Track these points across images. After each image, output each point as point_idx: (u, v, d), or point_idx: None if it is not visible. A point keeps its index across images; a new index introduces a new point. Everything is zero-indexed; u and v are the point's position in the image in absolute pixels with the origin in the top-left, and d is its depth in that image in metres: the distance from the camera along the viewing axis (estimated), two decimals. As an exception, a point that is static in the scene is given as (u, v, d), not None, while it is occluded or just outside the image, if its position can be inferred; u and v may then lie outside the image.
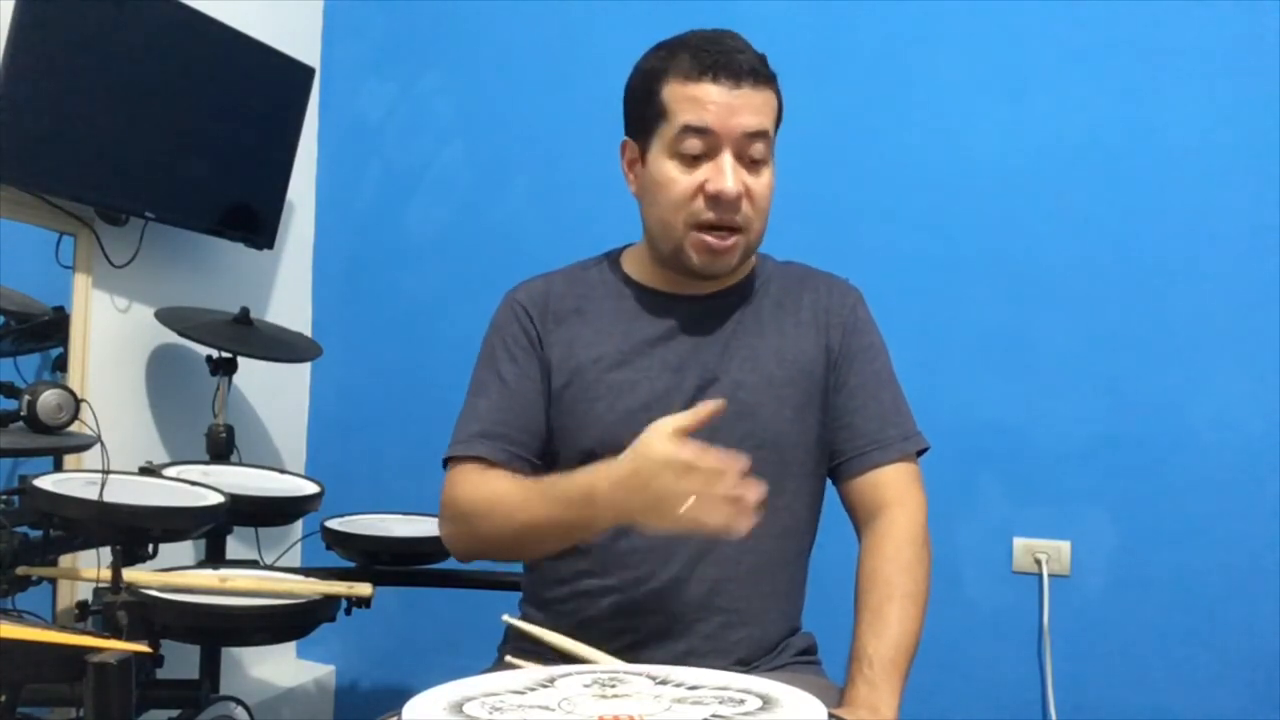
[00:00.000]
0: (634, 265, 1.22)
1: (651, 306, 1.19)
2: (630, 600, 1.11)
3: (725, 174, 1.07)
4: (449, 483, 1.16)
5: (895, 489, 1.14)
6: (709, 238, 1.09)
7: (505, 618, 1.16)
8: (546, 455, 1.18)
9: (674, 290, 1.19)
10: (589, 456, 1.13)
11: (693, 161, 1.09)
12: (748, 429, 1.13)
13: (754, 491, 0.92)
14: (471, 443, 1.15)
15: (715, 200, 1.08)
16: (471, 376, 1.21)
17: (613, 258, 1.25)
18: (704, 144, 1.08)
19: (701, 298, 1.19)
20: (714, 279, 1.15)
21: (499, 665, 1.14)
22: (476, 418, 1.17)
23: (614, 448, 1.12)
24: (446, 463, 1.17)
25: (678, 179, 1.09)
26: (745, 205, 1.09)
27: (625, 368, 1.15)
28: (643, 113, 1.13)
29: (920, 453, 1.19)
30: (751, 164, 1.09)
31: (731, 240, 1.10)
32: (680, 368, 1.15)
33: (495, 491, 1.10)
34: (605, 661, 0.98)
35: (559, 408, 1.16)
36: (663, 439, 0.95)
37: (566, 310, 1.20)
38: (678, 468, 0.93)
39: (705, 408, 0.97)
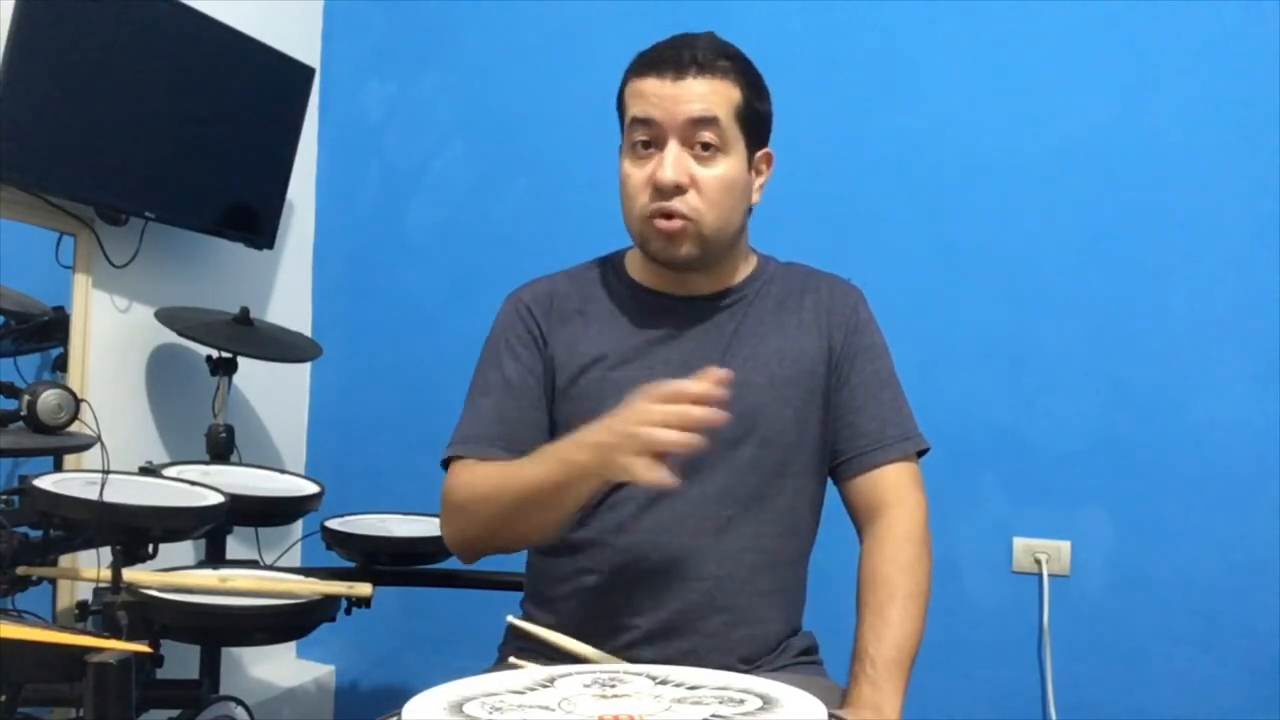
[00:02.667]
0: (636, 267, 1.23)
1: (653, 307, 1.19)
2: (632, 598, 1.11)
3: (664, 163, 1.08)
4: (449, 481, 1.15)
5: (896, 489, 1.15)
6: (657, 222, 1.10)
7: (509, 618, 1.16)
8: None
9: (675, 291, 1.19)
10: None
11: (644, 155, 1.11)
12: (749, 428, 1.13)
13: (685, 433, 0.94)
14: (475, 443, 1.15)
15: (657, 189, 1.09)
16: (474, 375, 1.21)
17: (615, 259, 1.26)
18: (650, 135, 1.10)
19: (703, 298, 1.19)
20: (681, 270, 1.15)
21: (500, 665, 1.14)
22: (480, 418, 1.17)
23: None
24: (448, 462, 1.17)
25: (631, 173, 1.12)
26: (693, 196, 1.09)
27: (627, 367, 1.15)
28: (618, 117, 1.17)
29: (921, 454, 1.20)
30: (704, 152, 1.09)
31: (678, 224, 1.10)
32: (682, 367, 1.14)
33: (487, 474, 1.12)
34: (607, 661, 0.98)
35: (562, 407, 1.16)
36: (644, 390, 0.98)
37: (570, 310, 1.20)
38: (647, 398, 0.96)
39: (708, 377, 0.97)
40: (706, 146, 1.09)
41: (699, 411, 0.94)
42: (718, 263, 1.17)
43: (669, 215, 1.09)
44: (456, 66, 2.34)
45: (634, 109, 1.11)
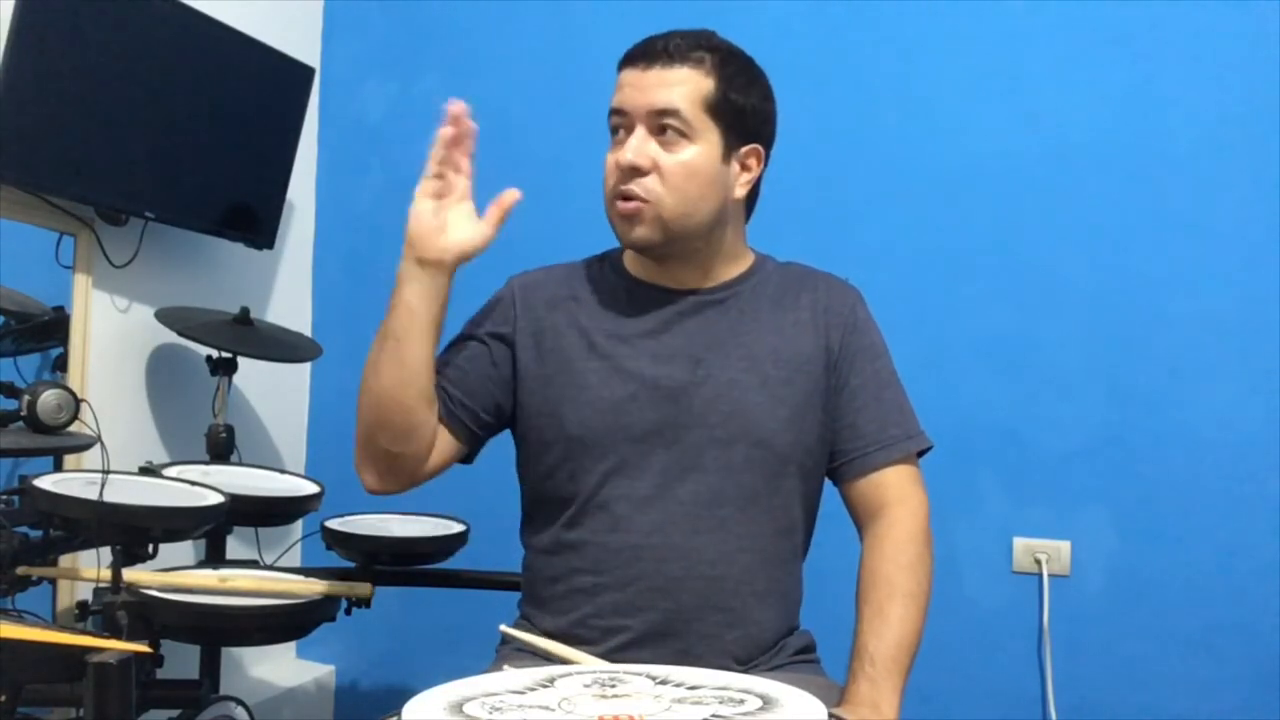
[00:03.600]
0: (632, 261, 1.23)
1: (645, 299, 1.19)
2: (626, 598, 1.11)
3: (626, 146, 1.11)
4: None
5: (897, 489, 1.15)
6: (618, 204, 1.13)
7: (502, 628, 1.16)
8: (532, 433, 1.19)
9: (668, 284, 1.19)
10: (576, 441, 1.14)
11: (617, 143, 1.14)
12: (742, 429, 1.13)
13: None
14: None
15: (620, 171, 1.12)
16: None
17: (613, 254, 1.26)
18: (621, 124, 1.13)
19: (695, 292, 1.19)
20: (650, 256, 1.17)
21: (496, 667, 1.14)
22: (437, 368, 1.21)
23: (601, 433, 1.13)
24: None
25: (608, 160, 1.15)
26: (652, 180, 1.11)
27: (615, 356, 1.16)
28: None
29: (922, 452, 1.19)
30: (665, 139, 1.11)
31: (632, 206, 1.12)
32: (670, 359, 1.15)
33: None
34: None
35: (550, 390, 1.17)
36: None
37: (562, 296, 1.21)
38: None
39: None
40: (669, 132, 1.11)
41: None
42: (695, 253, 1.17)
43: (627, 198, 1.12)
44: (456, 66, 2.34)
45: (613, 100, 1.15)
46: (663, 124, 1.11)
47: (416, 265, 1.11)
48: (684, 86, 1.11)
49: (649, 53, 1.12)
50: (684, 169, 1.11)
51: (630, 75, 1.13)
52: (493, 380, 1.19)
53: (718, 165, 1.13)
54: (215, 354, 1.96)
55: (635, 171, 1.11)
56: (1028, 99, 1.90)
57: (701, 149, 1.12)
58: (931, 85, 1.96)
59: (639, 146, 1.11)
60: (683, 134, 1.11)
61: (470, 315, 1.28)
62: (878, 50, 2.00)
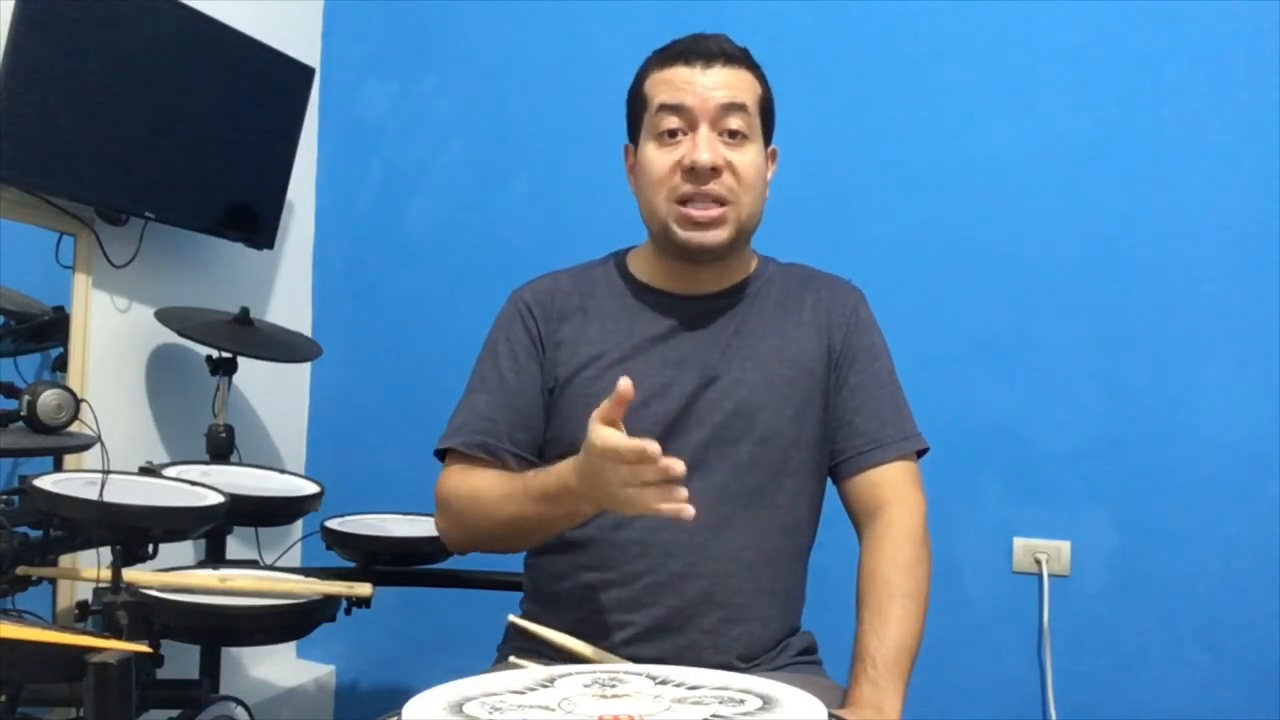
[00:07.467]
0: (638, 264, 1.23)
1: (654, 304, 1.19)
2: (630, 594, 1.11)
3: (699, 145, 1.09)
4: (442, 475, 1.18)
5: (894, 488, 1.15)
6: (690, 209, 1.11)
7: (510, 617, 1.16)
8: (547, 448, 1.19)
9: (676, 289, 1.20)
10: None
11: (672, 140, 1.12)
12: (747, 427, 1.14)
13: (677, 468, 0.89)
14: (467, 436, 1.16)
15: (691, 172, 1.10)
16: (473, 370, 1.23)
17: (618, 257, 1.26)
18: (680, 120, 1.11)
19: (703, 297, 1.19)
20: (706, 259, 1.15)
21: (500, 664, 1.14)
22: (475, 412, 1.18)
23: None
24: (444, 454, 1.19)
25: (657, 158, 1.12)
26: (729, 178, 1.11)
27: (626, 364, 1.15)
28: (633, 111, 1.18)
29: (920, 454, 1.20)
30: (732, 139, 1.11)
31: (716, 211, 1.11)
32: (680, 364, 1.15)
33: (479, 486, 1.12)
34: (606, 660, 0.98)
35: (562, 402, 1.17)
36: (593, 428, 0.93)
37: (571, 308, 1.21)
38: (609, 455, 0.91)
39: (617, 392, 0.91)
40: (734, 134, 1.11)
41: (650, 469, 0.89)
42: (734, 257, 1.18)
43: (710, 201, 1.10)
44: (456, 66, 2.34)
45: (662, 96, 1.12)
46: (730, 123, 1.11)
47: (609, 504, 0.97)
48: (746, 85, 1.13)
49: (705, 52, 1.12)
50: (754, 169, 1.13)
51: (687, 73, 1.11)
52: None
53: (766, 164, 1.17)
54: (215, 354, 1.96)
55: (714, 171, 1.10)
56: (1028, 99, 1.90)
57: (758, 149, 1.14)
58: (932, 85, 1.96)
59: (714, 145, 1.10)
60: (745, 135, 1.12)
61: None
62: (878, 50, 2.00)
